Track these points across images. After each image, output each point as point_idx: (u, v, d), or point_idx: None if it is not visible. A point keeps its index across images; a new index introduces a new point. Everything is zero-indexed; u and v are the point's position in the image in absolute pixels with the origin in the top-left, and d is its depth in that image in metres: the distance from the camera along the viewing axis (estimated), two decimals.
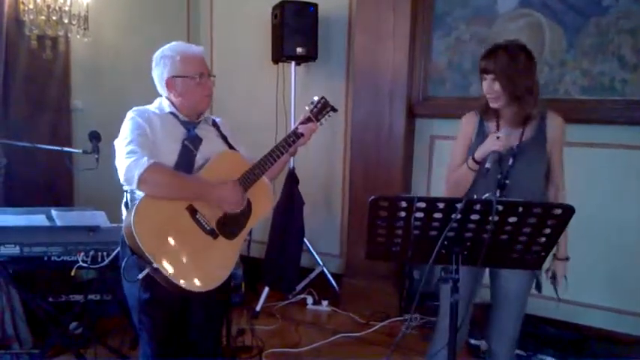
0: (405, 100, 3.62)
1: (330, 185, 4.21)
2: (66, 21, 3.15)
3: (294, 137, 2.13)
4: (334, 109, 2.20)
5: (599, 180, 3.19)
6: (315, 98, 2.20)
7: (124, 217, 1.99)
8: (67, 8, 3.14)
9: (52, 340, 2.67)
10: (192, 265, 1.91)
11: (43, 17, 3.06)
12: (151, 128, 1.96)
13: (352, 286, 3.92)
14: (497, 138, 1.95)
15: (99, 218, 2.51)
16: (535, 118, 2.06)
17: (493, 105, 2.03)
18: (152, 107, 2.08)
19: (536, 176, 2.07)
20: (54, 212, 2.48)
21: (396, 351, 3.31)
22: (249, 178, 2.04)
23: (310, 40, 3.77)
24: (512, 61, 1.97)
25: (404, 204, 1.43)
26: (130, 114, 2.00)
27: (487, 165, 1.90)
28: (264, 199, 2.12)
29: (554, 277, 2.16)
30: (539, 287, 2.15)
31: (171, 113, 2.05)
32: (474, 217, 1.43)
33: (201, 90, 2.05)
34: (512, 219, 1.44)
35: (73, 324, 2.79)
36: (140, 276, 1.87)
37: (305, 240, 3.94)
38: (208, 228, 1.95)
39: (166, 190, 1.89)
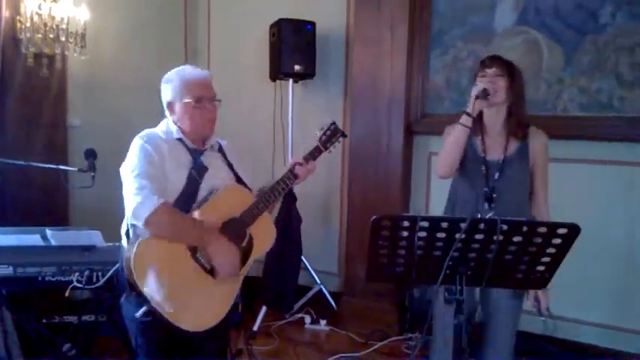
0: (403, 118, 3.62)
1: (328, 203, 4.19)
2: (63, 39, 3.15)
3: (293, 177, 2.07)
4: (344, 135, 2.15)
5: (598, 196, 3.17)
6: (327, 122, 2.14)
7: (124, 244, 1.98)
8: (64, 26, 3.15)
9: None
10: (190, 305, 1.90)
11: (39, 35, 3.05)
12: (159, 156, 1.93)
13: (351, 304, 3.88)
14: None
15: (94, 238, 2.48)
16: (521, 132, 2.14)
17: (484, 86, 2.07)
18: (159, 131, 2.05)
19: (520, 190, 2.12)
20: (48, 232, 2.44)
21: None
22: (251, 215, 2.00)
23: (308, 57, 3.77)
24: (516, 67, 2.18)
25: (406, 223, 1.40)
26: (138, 141, 1.96)
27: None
28: (266, 235, 2.08)
29: (538, 306, 2.15)
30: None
31: (179, 139, 2.02)
32: (478, 236, 1.41)
33: (200, 114, 2.00)
34: (516, 238, 1.41)
35: (66, 345, 2.73)
36: (138, 314, 1.86)
37: (302, 258, 3.90)
38: (208, 267, 1.93)
39: (171, 234, 1.87)
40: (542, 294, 2.12)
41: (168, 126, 2.06)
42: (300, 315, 3.95)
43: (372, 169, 3.72)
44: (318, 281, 3.97)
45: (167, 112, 2.07)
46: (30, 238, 2.39)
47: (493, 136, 2.16)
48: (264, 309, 3.77)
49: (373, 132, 3.69)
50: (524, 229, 1.38)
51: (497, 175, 2.09)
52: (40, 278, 2.37)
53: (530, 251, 1.45)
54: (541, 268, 1.50)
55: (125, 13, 3.98)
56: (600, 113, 3.18)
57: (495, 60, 2.15)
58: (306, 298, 3.98)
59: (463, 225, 1.37)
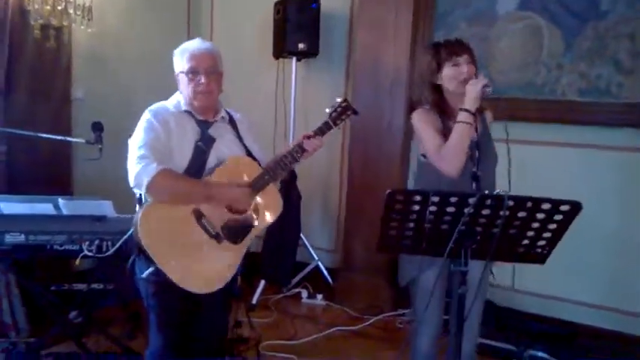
0: (405, 97, 3.66)
1: (328, 180, 4.26)
2: (71, 11, 3.15)
3: (300, 151, 2.11)
4: (355, 112, 2.18)
5: (596, 181, 3.25)
6: (338, 100, 2.18)
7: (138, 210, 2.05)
8: None
9: (52, 330, 2.68)
10: (195, 268, 1.96)
11: (48, 7, 3.06)
12: (165, 130, 1.99)
13: (347, 280, 3.96)
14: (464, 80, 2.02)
15: (106, 208, 2.53)
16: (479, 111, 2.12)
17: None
18: (169, 104, 2.10)
19: (493, 167, 2.13)
20: (61, 201, 2.49)
21: (389, 345, 3.38)
22: (258, 184, 2.06)
23: (312, 36, 3.81)
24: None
25: (418, 198, 1.47)
26: (146, 114, 2.02)
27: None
28: (273, 207, 2.13)
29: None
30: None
31: (187, 112, 2.07)
32: (485, 211, 1.48)
33: (193, 86, 2.04)
34: (521, 214, 1.49)
35: (73, 313, 2.80)
36: (144, 274, 1.94)
37: (301, 234, 3.98)
38: (213, 232, 1.99)
39: (174, 197, 1.94)
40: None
41: (178, 100, 2.12)
42: (297, 290, 4.05)
43: (372, 146, 3.78)
44: (316, 257, 4.06)
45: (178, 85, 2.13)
46: (42, 207, 2.44)
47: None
48: (262, 283, 3.86)
49: (375, 110, 3.73)
50: (529, 204, 1.46)
51: (477, 154, 2.06)
52: (50, 246, 2.41)
53: (533, 227, 1.53)
54: (542, 243, 1.58)
55: None
56: (598, 99, 3.25)
57: (464, 47, 2.14)
58: (304, 274, 4.07)
59: (472, 200, 1.45)
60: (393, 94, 3.69)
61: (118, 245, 2.44)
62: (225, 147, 2.10)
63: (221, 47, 4.52)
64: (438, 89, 2.14)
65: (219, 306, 2.24)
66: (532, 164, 2.93)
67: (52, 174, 3.34)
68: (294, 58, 3.90)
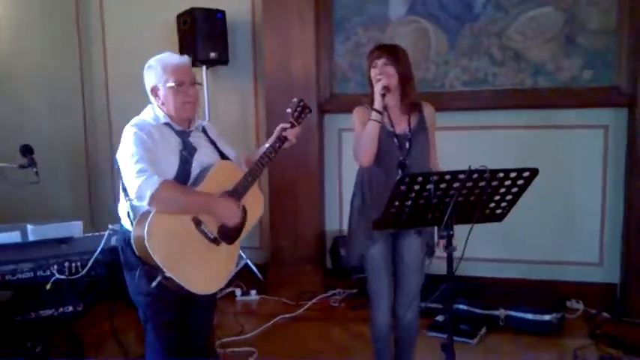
0: (315, 98, 4.00)
1: None
2: None
3: (280, 143, 2.33)
4: (310, 110, 2.47)
5: (480, 155, 3.81)
6: (295, 100, 2.42)
7: (125, 226, 2.13)
8: None
9: None
10: (199, 270, 2.09)
11: None
12: (152, 143, 2.07)
13: (277, 273, 4.22)
14: (378, 80, 2.36)
15: (75, 228, 2.49)
16: (417, 108, 2.51)
17: (384, 83, 2.35)
18: (148, 118, 2.17)
19: (425, 156, 2.53)
20: (29, 227, 2.41)
21: (331, 323, 3.71)
22: (243, 186, 2.21)
23: (221, 44, 3.97)
24: (401, 51, 2.47)
25: (420, 179, 1.81)
26: (131, 129, 2.08)
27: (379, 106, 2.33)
28: (257, 204, 2.31)
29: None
30: (431, 252, 2.59)
31: (167, 124, 2.17)
32: (468, 184, 1.87)
33: (182, 97, 2.15)
34: (494, 183, 1.89)
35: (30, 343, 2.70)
36: (153, 284, 2.01)
37: None
38: (212, 237, 2.12)
39: (176, 207, 2.03)
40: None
41: (154, 112, 2.19)
42: (230, 289, 4.19)
43: (289, 147, 4.03)
44: (244, 256, 4.23)
45: (152, 98, 2.20)
46: (8, 236, 2.34)
47: (395, 113, 2.50)
48: None
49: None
50: (501, 175, 1.87)
51: (407, 145, 2.46)
52: (15, 276, 2.35)
53: (500, 192, 1.94)
54: (504, 204, 2.01)
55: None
56: (478, 87, 3.89)
57: (382, 50, 2.46)
58: (234, 273, 4.21)
59: (461, 176, 1.82)
60: (304, 96, 3.97)
61: (89, 265, 2.45)
62: (204, 155, 2.22)
63: (118, 59, 4.53)
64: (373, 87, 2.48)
65: (207, 307, 2.38)
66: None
67: None
68: (204, 67, 4.02)
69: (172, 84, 2.13)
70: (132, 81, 4.44)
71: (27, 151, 2.79)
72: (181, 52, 3.99)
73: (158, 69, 2.17)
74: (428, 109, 2.57)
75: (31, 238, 2.44)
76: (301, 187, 4.12)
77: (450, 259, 2.01)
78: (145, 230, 1.95)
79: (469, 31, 3.85)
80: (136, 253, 2.02)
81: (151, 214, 1.98)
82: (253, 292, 4.17)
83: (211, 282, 2.15)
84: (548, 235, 3.92)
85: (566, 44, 3.72)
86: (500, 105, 3.86)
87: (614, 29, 3.63)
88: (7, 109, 3.62)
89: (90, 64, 4.61)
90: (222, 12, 3.98)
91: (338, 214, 4.27)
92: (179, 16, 3.99)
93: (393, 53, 2.44)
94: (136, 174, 1.98)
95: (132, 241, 2.03)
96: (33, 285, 2.43)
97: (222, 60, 4.00)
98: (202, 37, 3.87)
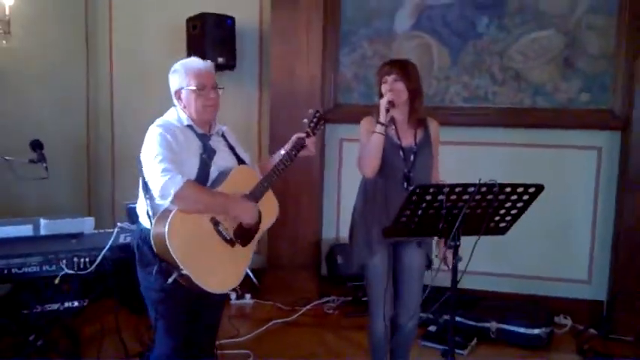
0: (319, 107, 4.05)
1: None
2: None
3: (296, 151, 2.40)
4: (326, 122, 2.54)
5: (478, 170, 3.89)
6: (311, 111, 2.48)
7: (145, 225, 2.18)
8: None
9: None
10: (214, 270, 2.14)
11: None
12: (177, 144, 2.13)
13: (274, 278, 4.26)
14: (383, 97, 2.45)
15: (86, 225, 2.53)
16: (423, 123, 2.60)
17: (394, 99, 2.44)
18: (172, 119, 2.23)
19: (429, 169, 2.62)
20: (42, 221, 2.44)
21: (325, 329, 3.77)
22: (260, 191, 2.28)
23: (230, 50, 4.03)
24: (412, 68, 2.56)
25: (432, 190, 1.89)
26: (157, 129, 2.14)
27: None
28: (271, 208, 2.37)
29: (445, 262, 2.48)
30: (430, 264, 2.67)
31: (189, 126, 2.22)
32: (477, 197, 1.95)
33: (203, 101, 2.21)
34: (501, 197, 1.98)
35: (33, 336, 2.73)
36: (170, 280, 2.07)
37: None
38: (228, 238, 2.17)
39: (198, 206, 2.09)
40: (448, 252, 2.36)
41: (178, 114, 2.25)
42: None
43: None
44: None
45: (175, 101, 2.26)
46: (21, 229, 2.37)
47: (402, 126, 2.58)
48: None
49: (292, 121, 4.03)
50: (508, 189, 1.95)
51: (412, 158, 2.54)
52: (26, 269, 2.38)
53: (506, 206, 2.03)
54: (508, 218, 2.09)
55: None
56: (479, 104, 3.99)
57: (393, 66, 2.54)
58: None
59: (471, 189, 1.90)
60: (308, 105, 4.05)
61: (98, 261, 2.48)
62: (222, 159, 2.28)
63: (124, 60, 4.58)
64: None
65: (218, 305, 2.44)
66: None
67: None
68: None
69: (194, 87, 2.19)
70: (137, 80, 4.53)
71: (37, 146, 2.82)
72: (189, 56, 4.07)
73: (182, 72, 2.23)
74: (433, 125, 2.66)
75: (42, 232, 2.47)
76: (302, 194, 4.18)
77: (455, 270, 2.08)
78: (166, 228, 2.00)
79: (472, 49, 3.96)
80: (155, 250, 2.07)
81: (172, 213, 2.03)
82: (248, 296, 4.22)
83: (225, 281, 2.21)
84: (541, 252, 4.02)
85: (565, 67, 3.84)
86: (498, 122, 3.97)
87: (612, 54, 3.75)
88: (13, 104, 3.64)
89: (96, 62, 4.66)
90: (232, 18, 4.05)
91: (335, 223, 4.34)
92: (189, 20, 4.05)
93: (403, 69, 2.53)
94: (160, 173, 2.04)
95: (151, 238, 2.08)
96: (41, 279, 2.45)
97: (229, 65, 4.07)
98: (211, 42, 3.94)
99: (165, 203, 2.05)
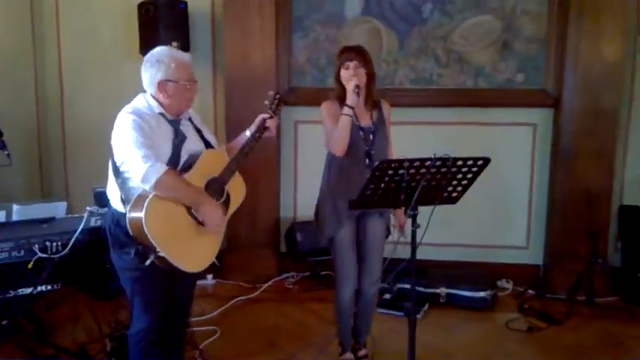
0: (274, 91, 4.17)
1: None
2: None
3: (260, 133, 2.51)
4: (285, 103, 2.67)
5: (426, 148, 4.09)
6: (271, 93, 2.60)
7: (115, 207, 2.27)
8: None
9: None
10: (189, 250, 2.26)
11: None
12: (150, 130, 2.20)
13: (233, 258, 4.37)
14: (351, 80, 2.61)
15: (59, 209, 2.57)
16: (377, 104, 2.81)
17: (357, 82, 2.60)
18: (141, 106, 2.28)
19: (386, 146, 2.85)
20: (15, 207, 2.46)
21: (287, 303, 3.95)
22: (228, 174, 2.39)
23: (183, 34, 4.07)
24: (368, 54, 2.75)
25: (394, 164, 2.08)
26: (129, 116, 2.19)
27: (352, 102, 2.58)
28: (239, 189, 2.50)
29: (401, 232, 2.80)
30: (388, 233, 2.91)
31: (161, 114, 2.29)
32: (433, 170, 2.15)
33: (189, 94, 2.33)
34: (453, 169, 2.20)
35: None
36: (147, 262, 2.17)
37: None
38: (200, 219, 2.27)
39: (175, 194, 2.18)
40: (405, 221, 2.71)
41: (148, 102, 2.30)
42: None
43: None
44: None
45: (154, 89, 2.29)
46: None
47: (360, 108, 2.75)
48: None
49: (248, 103, 4.17)
50: (460, 162, 2.17)
51: (371, 137, 2.75)
52: None
53: (457, 177, 2.25)
54: (459, 188, 2.32)
55: None
56: (425, 86, 4.23)
57: (356, 52, 2.71)
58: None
59: (428, 163, 2.10)
60: (263, 88, 4.15)
61: (71, 244, 2.55)
62: (191, 142, 2.37)
63: (73, 43, 4.52)
64: (342, 85, 2.74)
65: (191, 283, 2.58)
66: None
67: None
68: None
69: (185, 82, 2.27)
70: (85, 62, 4.48)
71: None
72: (142, 40, 4.09)
73: (171, 65, 2.26)
74: (386, 106, 2.88)
75: (15, 217, 2.49)
76: (259, 175, 4.28)
77: (414, 236, 2.29)
78: (143, 213, 2.09)
79: (417, 34, 4.18)
80: (132, 233, 2.16)
81: (149, 198, 2.12)
82: (210, 276, 4.32)
83: (200, 261, 2.32)
84: (482, 222, 4.34)
85: (503, 49, 4.13)
86: (443, 103, 4.22)
87: (544, 38, 4.07)
88: None
89: (42, 44, 4.58)
90: (185, 2, 4.08)
91: (292, 202, 4.50)
92: (141, 5, 4.05)
93: (364, 55, 2.73)
94: (142, 159, 2.11)
95: (127, 221, 2.16)
96: (14, 263, 2.49)
97: (183, 48, 4.06)
98: (164, 26, 3.96)
99: (145, 187, 2.13)
